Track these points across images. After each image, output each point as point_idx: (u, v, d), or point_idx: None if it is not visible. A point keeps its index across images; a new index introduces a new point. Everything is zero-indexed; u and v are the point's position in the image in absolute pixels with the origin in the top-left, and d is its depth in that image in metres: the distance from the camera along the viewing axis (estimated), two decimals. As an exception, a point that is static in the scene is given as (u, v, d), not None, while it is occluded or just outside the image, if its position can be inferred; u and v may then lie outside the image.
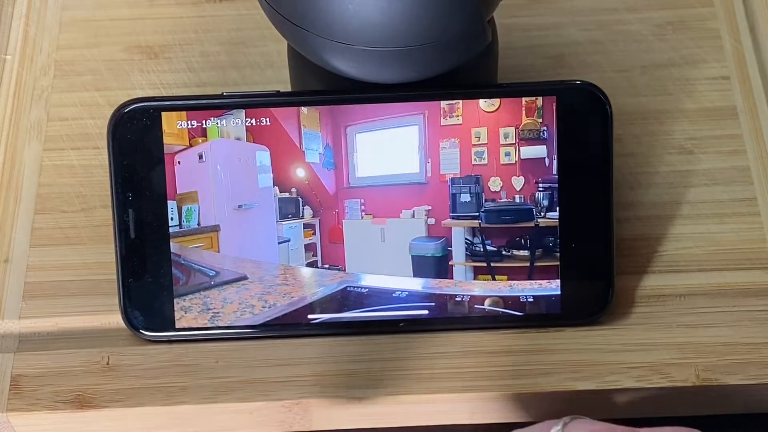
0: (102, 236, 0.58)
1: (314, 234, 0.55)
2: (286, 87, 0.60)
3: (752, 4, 0.66)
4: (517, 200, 0.55)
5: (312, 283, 0.55)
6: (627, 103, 0.62)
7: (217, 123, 0.54)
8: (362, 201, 0.55)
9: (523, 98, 0.54)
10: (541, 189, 0.54)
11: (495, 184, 0.55)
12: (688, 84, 0.63)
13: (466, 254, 0.55)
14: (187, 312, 0.54)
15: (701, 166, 0.60)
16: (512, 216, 0.55)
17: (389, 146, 0.54)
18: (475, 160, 0.54)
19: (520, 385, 0.53)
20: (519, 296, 0.55)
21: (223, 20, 0.66)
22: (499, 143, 0.54)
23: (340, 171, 0.55)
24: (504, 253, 0.55)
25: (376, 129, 0.54)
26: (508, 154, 0.54)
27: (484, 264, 0.55)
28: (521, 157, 0.54)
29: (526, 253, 0.55)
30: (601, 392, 0.53)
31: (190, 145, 0.54)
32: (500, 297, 0.55)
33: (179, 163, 0.54)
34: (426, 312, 0.55)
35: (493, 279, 0.55)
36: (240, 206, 0.55)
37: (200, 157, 0.54)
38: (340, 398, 0.53)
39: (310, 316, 0.55)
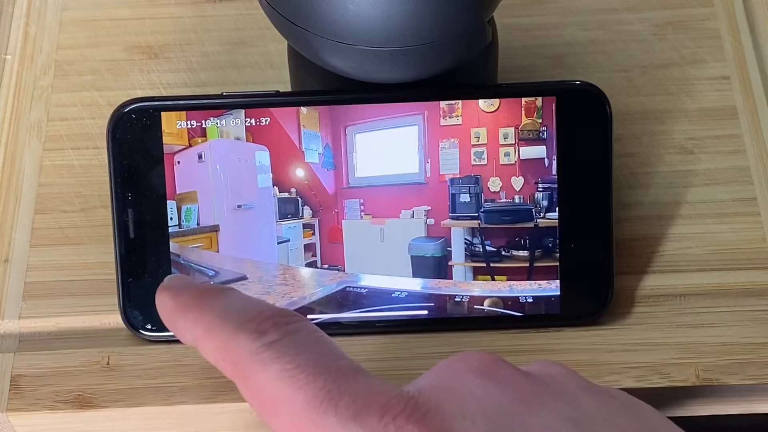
0: (102, 236, 0.58)
1: (313, 234, 0.55)
2: (286, 87, 0.60)
3: (752, 4, 0.66)
4: (517, 200, 0.55)
5: (311, 283, 0.55)
6: (627, 103, 0.62)
7: (217, 123, 0.54)
8: (361, 201, 0.55)
9: (523, 98, 0.54)
10: (540, 189, 0.54)
11: (494, 184, 0.55)
12: (688, 84, 0.63)
13: (466, 254, 0.55)
14: (187, 312, 0.54)
15: (701, 166, 0.60)
16: (512, 216, 0.55)
17: (389, 146, 0.54)
18: (474, 160, 0.54)
19: (520, 385, 0.53)
20: (518, 297, 0.55)
21: (223, 20, 0.66)
22: (498, 143, 0.54)
23: (340, 171, 0.55)
24: (503, 253, 0.55)
25: (376, 129, 0.54)
26: (507, 155, 0.54)
27: (484, 264, 0.55)
28: (521, 158, 0.54)
29: (525, 253, 0.55)
30: (601, 392, 0.53)
31: (190, 145, 0.54)
32: (499, 297, 0.55)
33: (179, 163, 0.54)
34: (425, 312, 0.55)
35: (493, 279, 0.55)
36: (239, 206, 0.55)
37: (200, 157, 0.54)
38: (339, 398, 0.53)
39: (309, 316, 0.55)
